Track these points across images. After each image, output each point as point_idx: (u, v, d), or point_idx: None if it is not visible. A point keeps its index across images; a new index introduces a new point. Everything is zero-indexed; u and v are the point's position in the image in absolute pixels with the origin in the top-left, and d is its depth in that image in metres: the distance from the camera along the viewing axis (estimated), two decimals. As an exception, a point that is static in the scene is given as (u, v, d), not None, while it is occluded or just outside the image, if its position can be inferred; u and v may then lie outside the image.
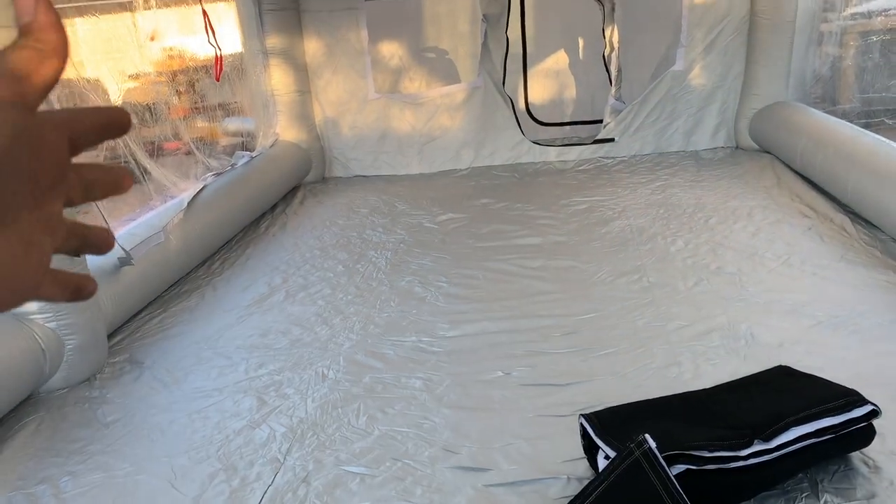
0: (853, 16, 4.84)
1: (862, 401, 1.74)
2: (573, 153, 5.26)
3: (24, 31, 0.41)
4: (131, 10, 3.90)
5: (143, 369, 2.71)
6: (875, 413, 1.73)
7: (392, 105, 5.35)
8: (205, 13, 4.19)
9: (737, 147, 5.11)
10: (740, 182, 4.29)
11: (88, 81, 3.50)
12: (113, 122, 0.45)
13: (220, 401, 2.43)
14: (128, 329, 3.07)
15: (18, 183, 0.39)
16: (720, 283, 2.94)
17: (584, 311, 2.80)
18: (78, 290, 0.47)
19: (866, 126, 4.22)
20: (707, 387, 1.99)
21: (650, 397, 1.95)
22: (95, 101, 3.45)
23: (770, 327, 2.53)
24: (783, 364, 2.04)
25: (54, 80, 0.41)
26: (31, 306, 2.47)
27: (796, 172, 4.24)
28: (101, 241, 0.49)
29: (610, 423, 1.79)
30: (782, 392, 1.87)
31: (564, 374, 2.36)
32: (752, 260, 3.14)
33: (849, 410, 1.72)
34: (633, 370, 2.34)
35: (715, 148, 5.15)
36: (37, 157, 0.40)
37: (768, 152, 4.75)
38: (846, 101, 5.06)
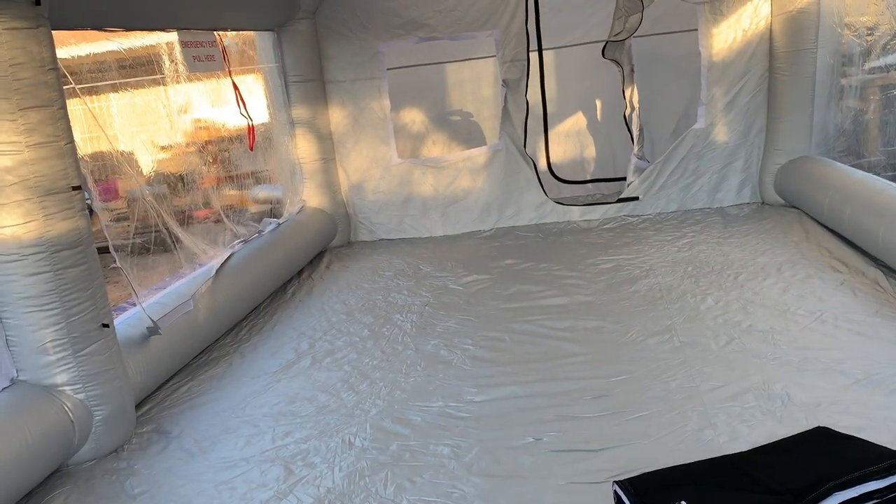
0: (872, 70, 4.86)
1: (907, 463, 1.67)
2: (597, 212, 5.26)
3: None
4: (164, 85, 4.04)
5: (170, 439, 2.70)
6: (922, 476, 1.66)
7: (415, 169, 5.42)
8: (235, 86, 4.32)
9: (763, 203, 5.08)
10: (768, 237, 4.24)
11: (122, 154, 3.60)
12: None
13: (246, 471, 2.41)
14: (155, 398, 3.08)
15: None
16: (753, 342, 2.88)
17: (615, 374, 2.75)
18: None
19: (894, 179, 4.18)
20: (744, 450, 1.93)
21: (686, 462, 1.89)
22: (128, 172, 3.54)
23: (806, 387, 2.46)
24: (822, 425, 1.98)
25: None
26: (61, 377, 2.49)
27: (825, 226, 4.19)
28: None
29: (645, 490, 1.74)
30: (823, 455, 1.80)
31: (596, 439, 2.31)
32: (784, 317, 3.08)
33: (893, 473, 1.66)
34: (667, 434, 2.29)
35: (741, 204, 5.12)
36: None
37: (795, 207, 4.71)
38: (871, 154, 5.03)
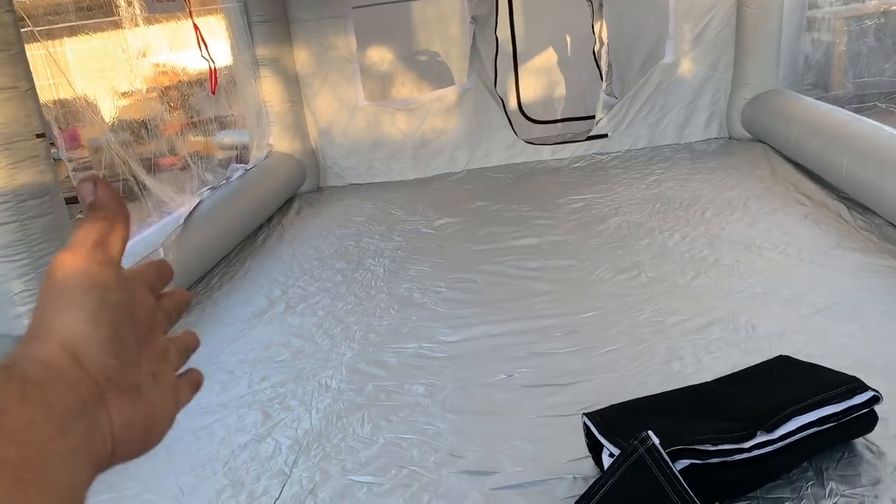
0: (846, 0, 4.85)
1: (863, 387, 1.74)
2: (567, 151, 5.27)
3: (90, 207, 0.47)
4: (121, 28, 3.91)
5: (146, 388, 2.71)
6: (876, 399, 1.74)
7: (383, 111, 5.35)
8: (196, 27, 4.20)
9: (730, 138, 5.11)
10: (735, 173, 4.29)
11: (84, 101, 3.50)
12: (163, 269, 0.55)
13: (224, 416, 2.43)
14: (130, 348, 3.07)
15: (133, 329, 0.47)
16: (719, 276, 2.94)
17: (584, 310, 2.80)
18: (198, 383, 0.55)
19: (859, 111, 4.22)
20: (709, 380, 1.99)
21: (652, 393, 1.95)
22: (91, 119, 3.46)
23: (770, 318, 2.53)
24: (784, 354, 2.04)
25: (126, 241, 0.49)
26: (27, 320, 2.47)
27: (790, 161, 4.25)
28: (192, 339, 0.57)
29: (613, 421, 1.79)
30: (784, 382, 1.87)
31: (566, 374, 2.36)
32: (750, 251, 3.14)
33: (850, 397, 1.73)
34: (634, 367, 2.35)
35: (708, 139, 5.16)
36: (135, 304, 0.48)
37: (762, 142, 4.75)
38: (839, 87, 5.06)
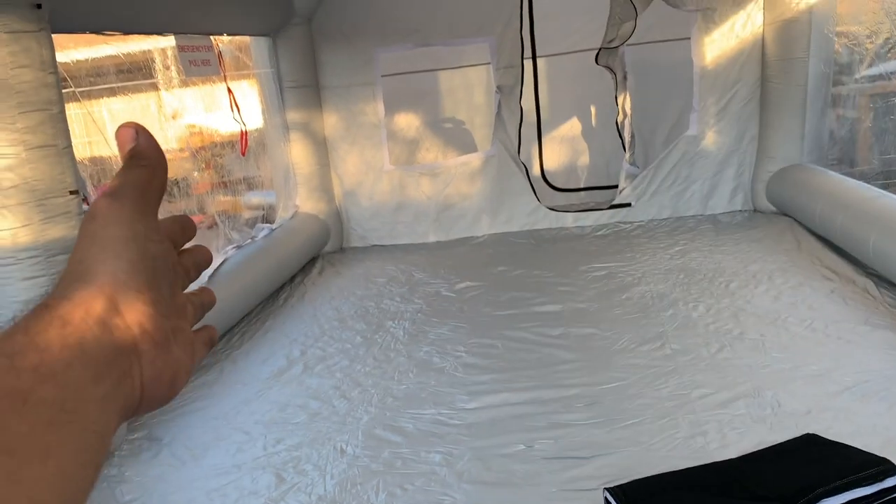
0: (871, 78, 4.89)
1: (895, 469, 1.68)
2: (590, 219, 5.28)
3: (130, 155, 0.47)
4: (157, 90, 4.04)
5: (161, 446, 2.69)
6: (910, 484, 1.67)
7: (408, 175, 5.43)
8: (230, 91, 4.33)
9: (755, 210, 5.10)
10: (760, 245, 4.26)
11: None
12: (186, 225, 0.54)
13: (238, 478, 2.40)
14: (147, 404, 3.06)
15: (167, 281, 0.47)
16: (744, 350, 2.89)
17: (607, 381, 2.76)
18: (212, 339, 0.55)
19: (885, 187, 4.20)
20: (733, 457, 1.94)
21: (676, 469, 1.90)
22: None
23: (796, 394, 2.47)
24: (811, 432, 1.99)
25: (164, 188, 0.49)
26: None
27: (816, 235, 4.22)
28: (208, 297, 0.56)
29: (636, 498, 1.74)
30: (812, 461, 1.81)
31: (588, 447, 2.31)
32: (776, 325, 3.09)
33: (882, 480, 1.67)
34: (658, 441, 2.29)
35: (733, 212, 5.15)
36: (166, 257, 0.48)
37: (787, 215, 4.73)
38: (864, 163, 5.06)
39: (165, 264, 0.47)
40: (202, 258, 0.55)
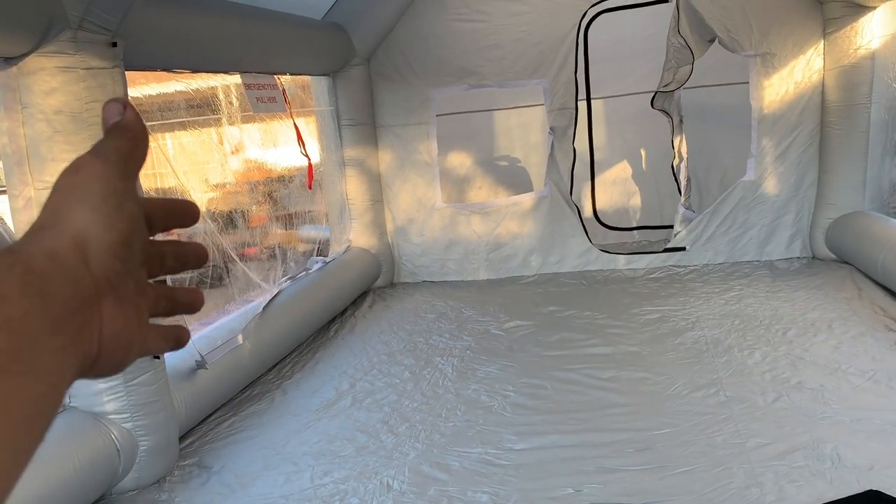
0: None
1: (966, 534, 1.61)
2: (643, 261, 5.23)
3: (115, 125, 0.48)
4: (219, 126, 4.18)
5: (211, 473, 2.73)
6: (982, 548, 1.60)
7: (460, 213, 5.47)
8: (296, 126, 4.45)
9: (813, 257, 4.98)
10: (818, 293, 4.15)
11: (184, 190, 3.72)
12: (182, 210, 0.52)
13: (285, 508, 2.41)
14: (199, 431, 3.12)
15: (141, 243, 0.47)
16: (802, 400, 2.81)
17: (658, 426, 2.70)
18: (178, 339, 0.52)
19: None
20: (792, 512, 1.88)
21: (730, 521, 1.85)
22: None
23: (858, 448, 2.39)
24: (874, 489, 1.91)
25: (144, 159, 0.48)
26: (111, 405, 2.55)
27: (878, 284, 4.09)
28: (190, 300, 0.54)
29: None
30: (876, 521, 1.75)
31: (638, 493, 2.26)
32: (836, 375, 3.00)
33: (952, 544, 1.59)
34: (711, 490, 2.23)
35: (790, 258, 5.04)
36: (141, 224, 0.47)
37: (847, 263, 4.61)
38: (927, 211, 4.91)
39: (141, 229, 0.47)
40: (193, 252, 0.54)
